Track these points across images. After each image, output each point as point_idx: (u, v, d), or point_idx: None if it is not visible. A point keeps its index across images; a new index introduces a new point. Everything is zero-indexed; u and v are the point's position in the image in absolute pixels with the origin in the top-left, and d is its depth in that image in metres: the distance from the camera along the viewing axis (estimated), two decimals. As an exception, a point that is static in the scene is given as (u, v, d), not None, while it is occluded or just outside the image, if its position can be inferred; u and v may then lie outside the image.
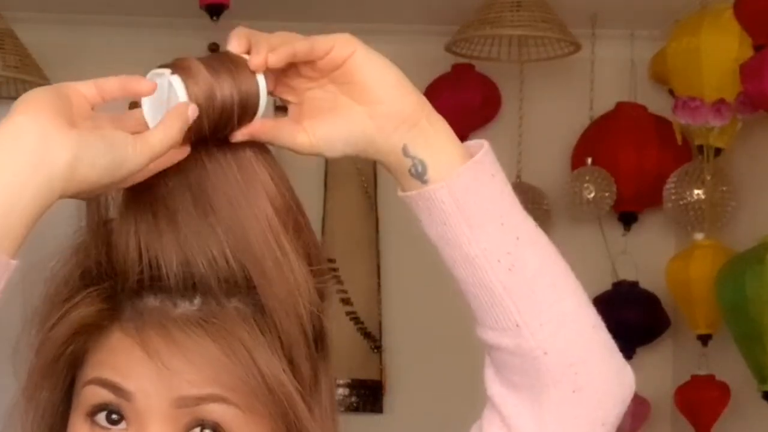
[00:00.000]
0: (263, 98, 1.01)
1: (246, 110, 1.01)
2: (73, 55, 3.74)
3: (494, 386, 1.08)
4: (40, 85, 3.48)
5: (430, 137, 1.03)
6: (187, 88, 1.00)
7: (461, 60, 3.66)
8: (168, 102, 1.00)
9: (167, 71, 1.02)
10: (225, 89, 1.00)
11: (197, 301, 1.03)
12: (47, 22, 3.69)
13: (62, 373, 1.06)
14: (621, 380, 1.07)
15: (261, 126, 1.03)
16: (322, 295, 1.08)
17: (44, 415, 1.07)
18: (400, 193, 1.05)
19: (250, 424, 1.03)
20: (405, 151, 1.03)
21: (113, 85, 0.99)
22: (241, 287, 1.03)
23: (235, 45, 1.02)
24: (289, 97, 1.05)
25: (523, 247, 1.04)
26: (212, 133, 1.01)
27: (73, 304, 1.04)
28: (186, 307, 1.02)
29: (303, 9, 3.67)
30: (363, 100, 1.02)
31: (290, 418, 1.03)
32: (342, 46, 1.01)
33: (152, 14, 3.70)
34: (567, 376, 1.03)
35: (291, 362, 1.03)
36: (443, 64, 3.71)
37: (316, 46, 1.01)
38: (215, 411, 1.02)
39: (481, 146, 1.04)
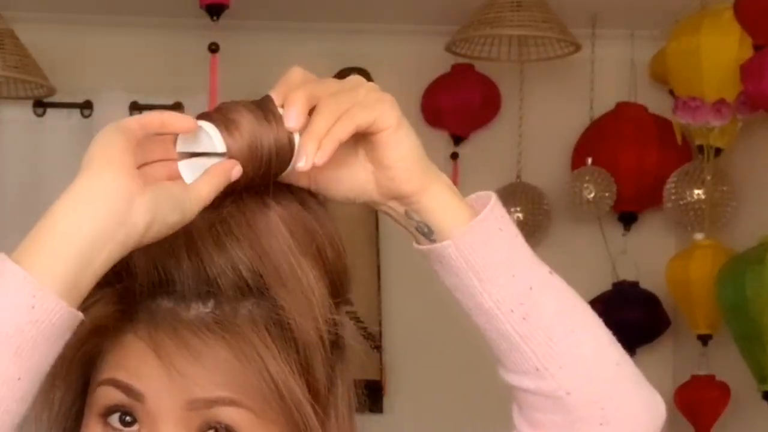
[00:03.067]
0: (295, 155, 1.02)
1: (280, 167, 1.03)
2: (73, 55, 3.74)
3: (521, 425, 1.09)
4: (40, 85, 3.51)
5: (433, 204, 1.06)
6: (226, 138, 1.01)
7: (461, 60, 3.66)
8: (202, 145, 1.01)
9: (206, 123, 1.02)
10: (264, 148, 1.01)
11: (210, 303, 1.03)
12: (47, 22, 3.69)
13: (77, 373, 1.06)
14: (650, 411, 1.09)
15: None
16: (337, 295, 1.10)
17: (58, 415, 1.08)
18: (413, 246, 1.09)
19: (263, 429, 1.03)
20: (408, 215, 1.07)
21: (154, 121, 1.00)
22: (255, 292, 1.03)
23: (291, 110, 1.02)
24: None
25: (537, 296, 1.06)
26: (243, 184, 1.03)
27: (88, 305, 1.02)
28: (199, 309, 1.02)
29: (303, 9, 3.67)
30: (375, 164, 1.05)
31: (301, 426, 1.03)
32: (380, 120, 1.02)
33: (152, 14, 3.69)
34: (593, 411, 1.05)
35: (306, 368, 1.03)
36: (443, 64, 3.71)
37: (360, 122, 1.01)
38: (227, 414, 1.02)
39: (488, 199, 1.07)
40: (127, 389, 1.03)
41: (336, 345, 1.09)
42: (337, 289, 1.10)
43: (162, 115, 1.00)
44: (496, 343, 1.07)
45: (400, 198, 1.06)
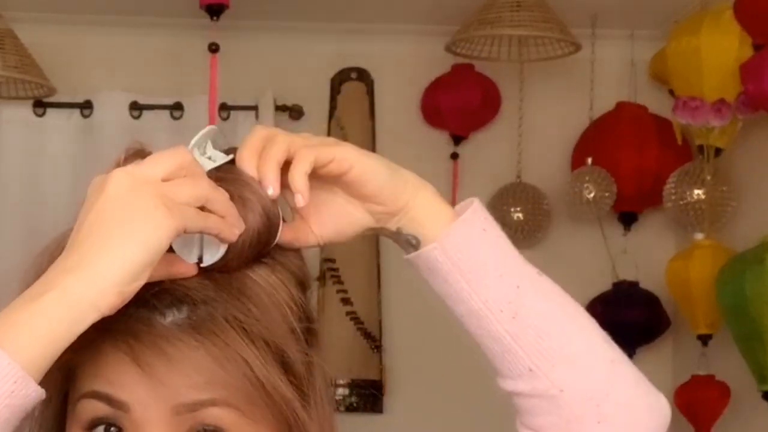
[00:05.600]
0: (280, 214, 1.08)
1: (270, 237, 1.07)
2: (73, 55, 3.74)
3: None
4: (40, 85, 3.51)
5: (419, 214, 1.10)
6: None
7: (461, 60, 3.66)
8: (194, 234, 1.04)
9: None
10: (253, 227, 1.05)
11: (185, 309, 1.03)
12: (47, 22, 3.68)
13: (56, 388, 1.06)
14: (651, 410, 1.10)
15: (284, 235, 1.08)
16: (303, 286, 1.10)
17: (41, 430, 1.08)
18: (404, 257, 1.12)
19: (251, 426, 1.03)
20: (399, 231, 1.11)
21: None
22: (226, 295, 1.04)
23: (246, 167, 1.06)
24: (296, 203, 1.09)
25: (525, 295, 1.08)
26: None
27: None
28: (175, 315, 1.02)
29: (303, 9, 3.67)
30: (362, 200, 1.09)
31: (290, 420, 1.04)
32: (341, 160, 1.07)
33: (152, 14, 3.69)
34: (588, 409, 1.06)
35: (285, 362, 1.04)
36: (443, 64, 3.71)
37: (318, 157, 1.06)
38: (214, 414, 1.02)
39: (471, 203, 1.10)
40: (110, 400, 1.03)
41: (309, 331, 1.09)
42: (301, 273, 1.10)
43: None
44: (489, 348, 1.08)
45: (393, 215, 1.10)
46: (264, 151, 1.05)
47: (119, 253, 0.96)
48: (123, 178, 0.97)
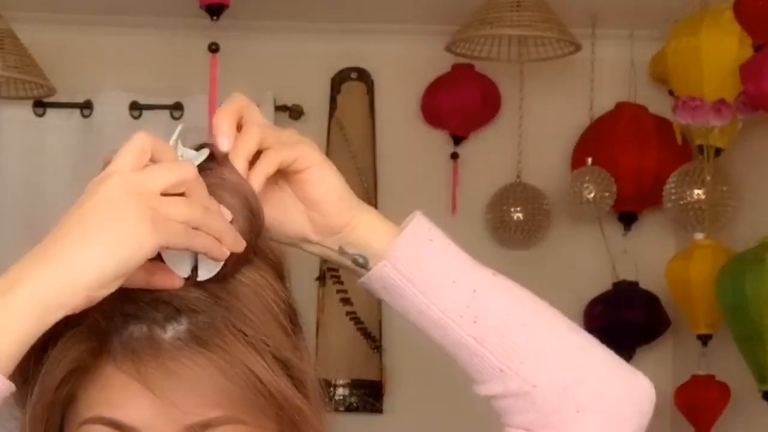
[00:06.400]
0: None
1: (257, 237, 1.06)
2: (73, 55, 3.74)
3: None
4: (40, 85, 3.51)
5: (364, 232, 1.10)
6: None
7: (461, 60, 3.66)
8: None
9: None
10: (243, 232, 1.03)
11: (185, 320, 1.00)
12: (47, 22, 3.68)
13: (56, 416, 1.03)
14: (629, 392, 1.08)
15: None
16: (282, 276, 1.08)
17: None
18: (358, 282, 1.11)
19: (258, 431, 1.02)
20: (342, 251, 1.10)
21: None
22: (221, 303, 1.02)
23: (221, 141, 1.07)
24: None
25: (482, 297, 1.08)
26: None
27: (59, 349, 1.01)
28: (175, 329, 1.00)
29: (302, 9, 3.67)
30: (306, 202, 1.09)
31: (297, 421, 1.02)
32: (303, 159, 1.07)
33: (152, 14, 3.69)
34: (565, 400, 1.06)
35: (284, 364, 1.02)
36: (443, 64, 3.71)
37: (283, 159, 1.06)
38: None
39: (413, 217, 1.10)
40: (116, 426, 0.99)
41: (294, 321, 1.07)
42: (278, 261, 1.08)
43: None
44: (458, 356, 1.08)
45: (334, 233, 1.09)
46: (237, 140, 1.05)
47: (94, 257, 0.94)
48: (119, 182, 0.96)
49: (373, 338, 3.79)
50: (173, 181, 0.98)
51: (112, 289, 0.96)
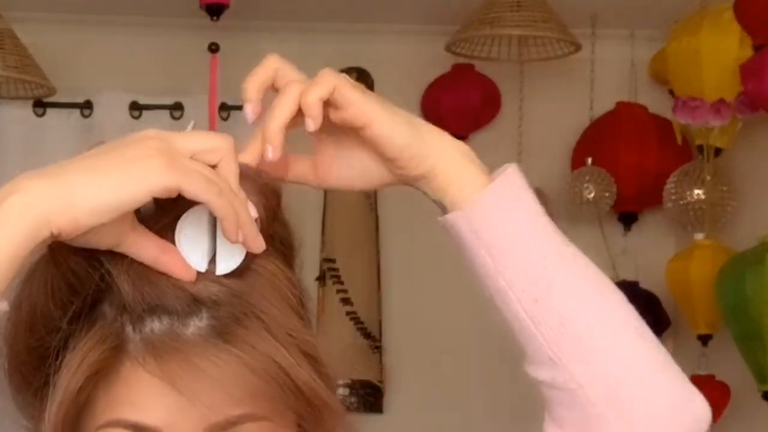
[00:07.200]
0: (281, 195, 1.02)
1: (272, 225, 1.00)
2: (73, 55, 3.74)
3: (548, 426, 1.04)
4: (40, 85, 3.51)
5: (444, 181, 1.03)
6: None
7: (461, 60, 3.66)
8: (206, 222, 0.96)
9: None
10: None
11: (204, 314, 0.94)
12: (47, 22, 3.69)
13: (71, 422, 0.95)
14: (683, 415, 1.02)
15: (292, 164, 1.03)
16: (291, 262, 1.02)
17: None
18: (437, 219, 1.04)
19: (281, 429, 0.97)
20: (425, 193, 1.04)
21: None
22: (240, 294, 0.96)
23: (249, 109, 1.01)
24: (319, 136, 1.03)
25: (551, 276, 1.01)
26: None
27: (75, 348, 0.94)
28: (197, 323, 0.93)
29: (303, 9, 3.67)
30: (380, 157, 1.02)
31: (324, 416, 0.97)
32: (357, 114, 1.00)
33: (152, 14, 3.69)
34: (610, 406, 1.00)
35: (306, 353, 0.96)
36: (443, 64, 3.71)
37: (339, 91, 0.99)
38: (249, 430, 0.95)
39: (505, 169, 1.04)
40: (138, 428, 0.94)
41: (305, 306, 1.01)
42: (286, 244, 1.02)
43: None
44: (513, 329, 1.01)
45: (415, 181, 1.03)
46: (274, 103, 0.99)
47: (95, 181, 0.89)
48: (150, 133, 0.92)
49: (373, 338, 3.79)
50: (206, 146, 0.93)
51: (104, 220, 0.89)
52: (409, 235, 3.69)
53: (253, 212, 0.95)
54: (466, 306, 3.93)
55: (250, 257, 0.96)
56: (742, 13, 3.19)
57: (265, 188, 0.98)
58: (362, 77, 3.85)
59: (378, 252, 3.80)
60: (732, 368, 3.27)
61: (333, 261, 3.78)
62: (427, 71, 3.74)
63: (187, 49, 3.64)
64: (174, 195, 0.91)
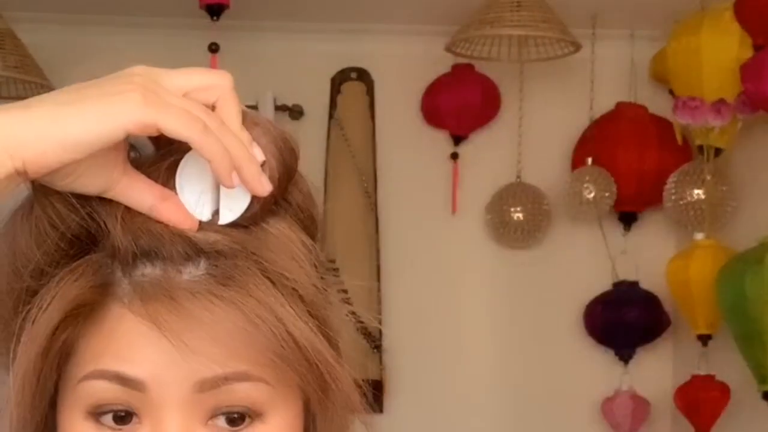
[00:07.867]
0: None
1: (288, 182, 0.94)
2: (73, 55, 3.74)
3: None
4: (40, 85, 3.51)
5: None
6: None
7: (461, 60, 3.66)
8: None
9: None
10: (272, 173, 0.91)
11: (202, 263, 0.87)
12: (47, 22, 3.68)
13: (50, 368, 0.88)
14: None
15: None
16: (312, 232, 0.96)
17: (31, 421, 0.90)
18: None
19: (281, 398, 0.90)
20: None
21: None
22: (246, 247, 0.89)
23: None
24: None
25: None
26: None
27: (60, 284, 0.87)
28: (193, 271, 0.87)
29: (302, 9, 3.67)
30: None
31: (326, 380, 0.90)
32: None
33: (152, 14, 3.69)
34: None
35: (314, 316, 0.91)
36: (443, 64, 3.71)
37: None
38: (242, 391, 0.88)
39: None
40: (121, 379, 0.86)
41: (320, 277, 0.96)
42: (312, 225, 0.97)
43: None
44: None
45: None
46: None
47: (65, 112, 0.83)
48: (138, 69, 0.86)
49: (373, 338, 3.79)
50: (200, 83, 0.86)
51: (76, 156, 0.83)
52: (409, 236, 3.69)
53: (260, 156, 0.89)
54: (467, 306, 3.94)
55: (259, 209, 0.89)
56: (742, 13, 3.19)
57: (281, 141, 0.91)
58: (362, 77, 3.85)
59: (378, 252, 3.80)
60: (732, 368, 3.27)
61: (333, 261, 3.77)
62: (427, 71, 3.74)
63: (187, 49, 3.64)
64: (153, 132, 0.84)
